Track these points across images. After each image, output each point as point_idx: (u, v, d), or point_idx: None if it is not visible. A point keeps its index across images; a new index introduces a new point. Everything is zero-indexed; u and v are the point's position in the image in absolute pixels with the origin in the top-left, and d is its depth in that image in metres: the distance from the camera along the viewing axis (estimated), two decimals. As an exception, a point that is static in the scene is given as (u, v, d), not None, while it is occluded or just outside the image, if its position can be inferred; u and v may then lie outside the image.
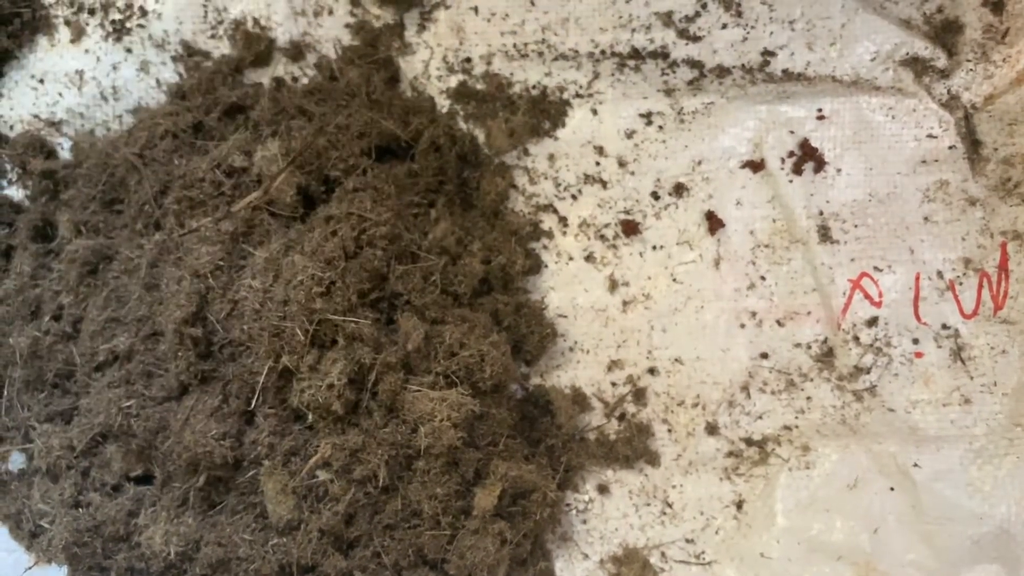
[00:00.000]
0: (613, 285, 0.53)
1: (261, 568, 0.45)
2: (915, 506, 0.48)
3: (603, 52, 0.55)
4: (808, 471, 0.49)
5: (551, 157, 0.54)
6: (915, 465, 0.49)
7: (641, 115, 0.54)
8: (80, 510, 0.48)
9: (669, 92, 0.54)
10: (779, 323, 0.52)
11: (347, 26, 0.56)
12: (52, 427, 0.49)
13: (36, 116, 0.57)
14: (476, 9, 0.55)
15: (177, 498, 0.47)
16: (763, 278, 0.52)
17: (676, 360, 0.52)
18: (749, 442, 0.50)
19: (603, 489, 0.50)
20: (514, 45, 0.55)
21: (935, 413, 0.50)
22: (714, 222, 0.53)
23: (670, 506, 0.50)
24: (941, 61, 0.52)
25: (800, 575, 0.48)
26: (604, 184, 0.54)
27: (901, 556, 0.47)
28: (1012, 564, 0.46)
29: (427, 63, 0.56)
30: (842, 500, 0.48)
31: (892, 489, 0.48)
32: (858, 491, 0.48)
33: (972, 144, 0.51)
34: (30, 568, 0.48)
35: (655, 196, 0.54)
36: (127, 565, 0.47)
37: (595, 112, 0.55)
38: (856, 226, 0.52)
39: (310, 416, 0.44)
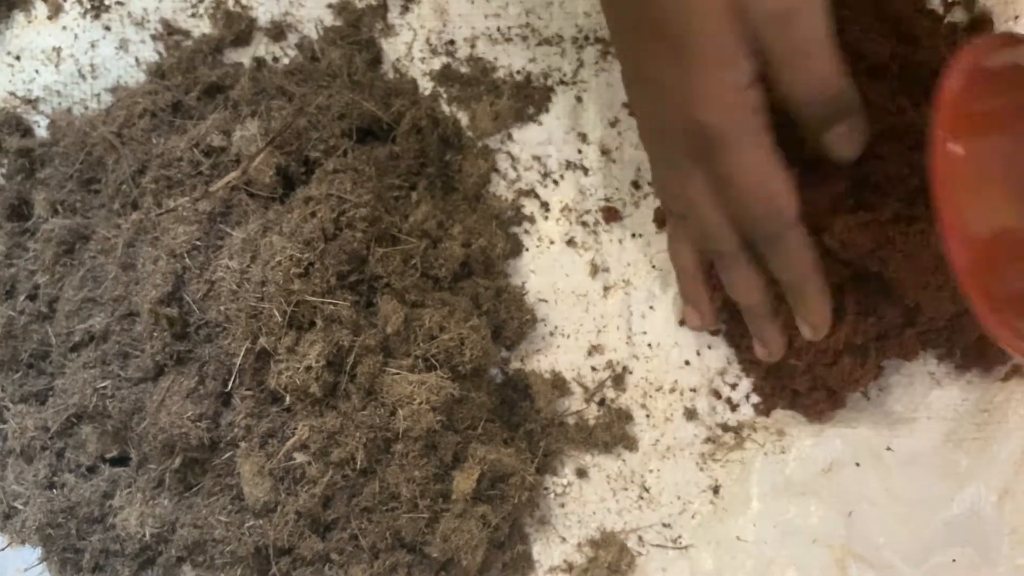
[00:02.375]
0: (594, 270, 0.53)
1: (237, 550, 0.44)
2: (889, 489, 0.48)
3: (587, 38, 0.55)
4: (783, 455, 0.50)
5: (535, 142, 0.54)
6: (888, 449, 0.49)
7: (624, 105, 0.54)
8: (54, 491, 0.47)
9: (652, 79, 0.54)
10: (758, 309, 0.52)
11: (329, 6, 0.56)
12: (27, 407, 0.48)
13: (12, 93, 0.56)
14: (460, -9, 0.55)
15: (153, 480, 0.46)
16: (742, 265, 0.52)
17: (655, 345, 0.52)
18: (726, 428, 0.51)
19: (582, 473, 0.50)
20: (498, 28, 0.55)
21: (907, 397, 0.50)
22: (695, 208, 0.53)
23: (647, 491, 0.50)
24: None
25: (776, 558, 0.48)
26: (586, 171, 0.54)
27: (876, 539, 0.48)
28: (983, 546, 0.47)
29: (410, 45, 0.55)
30: (817, 484, 0.49)
31: (866, 472, 0.49)
32: (833, 475, 0.49)
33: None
34: (3, 549, 0.47)
35: (635, 185, 0.54)
36: (102, 547, 0.47)
37: (579, 99, 0.55)
38: (835, 214, 0.52)
39: (287, 398, 0.44)
